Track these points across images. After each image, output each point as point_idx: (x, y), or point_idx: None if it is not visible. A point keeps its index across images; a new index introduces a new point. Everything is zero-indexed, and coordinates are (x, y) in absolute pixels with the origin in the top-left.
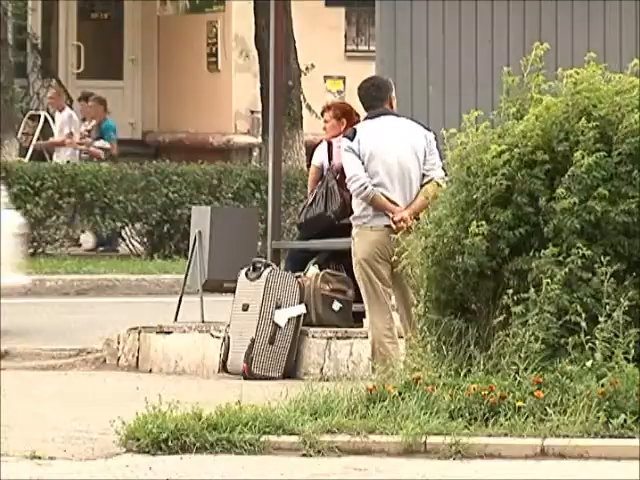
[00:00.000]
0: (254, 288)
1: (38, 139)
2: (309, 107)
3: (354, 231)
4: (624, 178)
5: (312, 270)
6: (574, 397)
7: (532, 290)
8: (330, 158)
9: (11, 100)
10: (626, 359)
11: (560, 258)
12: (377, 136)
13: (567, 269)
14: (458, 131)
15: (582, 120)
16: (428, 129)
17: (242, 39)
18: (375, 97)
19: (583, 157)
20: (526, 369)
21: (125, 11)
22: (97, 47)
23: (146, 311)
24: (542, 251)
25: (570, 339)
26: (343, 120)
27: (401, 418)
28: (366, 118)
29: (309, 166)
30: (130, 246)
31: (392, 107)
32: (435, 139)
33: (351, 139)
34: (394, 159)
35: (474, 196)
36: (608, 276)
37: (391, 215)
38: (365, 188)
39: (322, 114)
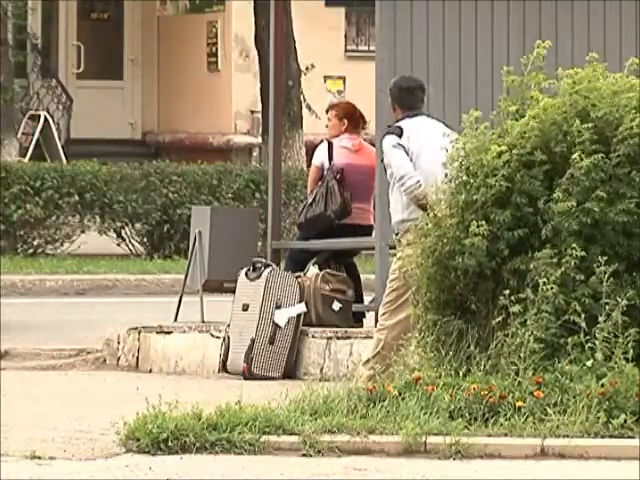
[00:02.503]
0: (254, 288)
1: (38, 139)
2: (309, 107)
3: (404, 236)
4: (622, 179)
5: (312, 270)
6: (574, 397)
7: (529, 290)
8: (330, 158)
9: (11, 100)
10: (626, 359)
11: (557, 259)
12: (422, 135)
13: (563, 269)
14: (458, 132)
15: (580, 121)
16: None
17: (242, 39)
18: (420, 99)
19: (581, 159)
20: (526, 369)
21: (125, 11)
22: (97, 47)
23: (146, 311)
24: (540, 252)
25: (569, 339)
26: (345, 121)
27: (401, 418)
28: (405, 117)
29: (309, 166)
30: (130, 246)
31: None
32: None
33: (399, 136)
34: (438, 160)
35: (474, 196)
36: (607, 276)
37: None
38: (420, 185)
39: (327, 112)
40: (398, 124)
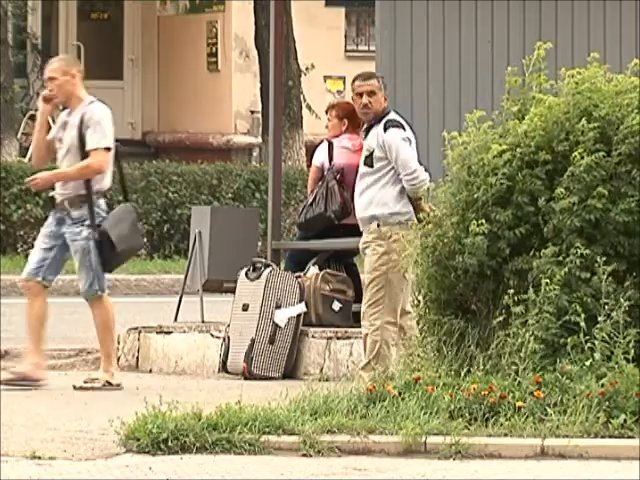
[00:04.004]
0: (254, 288)
1: None
2: (309, 107)
3: (395, 228)
4: (624, 178)
5: (312, 270)
6: (574, 397)
7: (531, 290)
8: (331, 158)
9: (11, 100)
10: (626, 359)
11: (560, 258)
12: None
13: (566, 269)
14: (458, 132)
15: (582, 120)
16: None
17: (242, 39)
18: None
19: (582, 157)
20: (526, 369)
21: (125, 11)
22: (97, 47)
23: (146, 311)
24: (542, 251)
25: (569, 339)
26: (345, 121)
27: (401, 418)
28: (389, 110)
29: (309, 166)
30: None
31: None
32: (416, 138)
33: (405, 129)
34: None
35: (474, 196)
36: (607, 276)
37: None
38: (429, 181)
39: (326, 112)
40: (397, 119)
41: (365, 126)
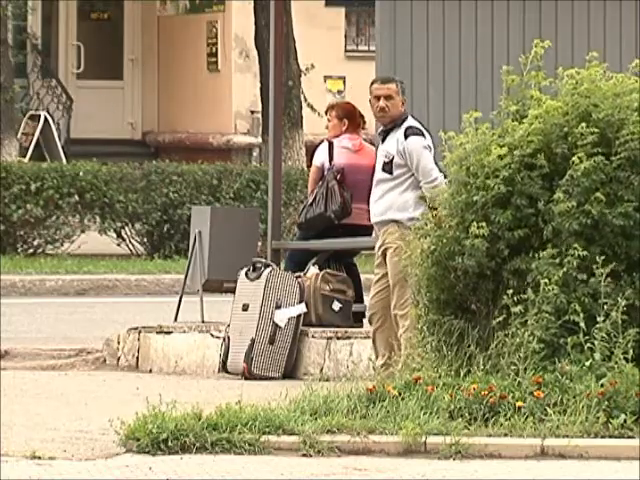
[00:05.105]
0: (254, 288)
1: (38, 139)
2: (311, 106)
3: (408, 232)
4: (622, 182)
5: (312, 270)
6: (574, 397)
7: (530, 290)
8: (331, 158)
9: (11, 100)
10: (625, 359)
11: (558, 260)
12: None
13: (565, 269)
14: (458, 132)
15: (582, 123)
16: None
17: (242, 39)
18: None
19: (581, 160)
20: (526, 369)
21: (125, 11)
22: (97, 47)
23: (146, 311)
24: (540, 252)
25: (569, 339)
26: (345, 121)
27: (401, 418)
28: (406, 116)
29: (309, 166)
30: (130, 246)
31: None
32: (433, 140)
33: (425, 137)
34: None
35: (474, 197)
36: (605, 276)
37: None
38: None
39: (326, 112)
40: (417, 126)
41: (381, 129)
